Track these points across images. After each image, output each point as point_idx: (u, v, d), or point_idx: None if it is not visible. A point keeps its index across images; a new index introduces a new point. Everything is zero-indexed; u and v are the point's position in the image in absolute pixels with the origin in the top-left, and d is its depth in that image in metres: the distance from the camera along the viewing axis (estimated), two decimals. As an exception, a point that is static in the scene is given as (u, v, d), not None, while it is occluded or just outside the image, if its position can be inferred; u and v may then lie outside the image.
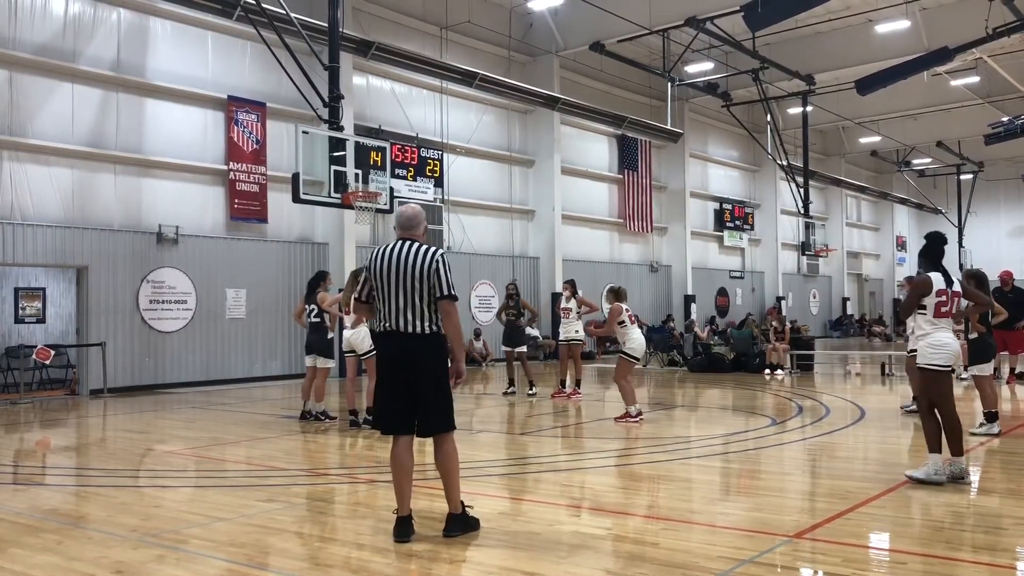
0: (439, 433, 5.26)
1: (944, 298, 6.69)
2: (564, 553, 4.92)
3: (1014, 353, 14.83)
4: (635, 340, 10.71)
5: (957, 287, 6.81)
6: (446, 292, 5.14)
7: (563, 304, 13.66)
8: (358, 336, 10.40)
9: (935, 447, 6.59)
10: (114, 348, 14.99)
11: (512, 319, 14.02)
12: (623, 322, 10.70)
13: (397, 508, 5.23)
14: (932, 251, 6.93)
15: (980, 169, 39.56)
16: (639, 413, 10.47)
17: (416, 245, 5.25)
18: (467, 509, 5.36)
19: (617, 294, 11.04)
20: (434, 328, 5.20)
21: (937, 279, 6.72)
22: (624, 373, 10.64)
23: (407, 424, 5.25)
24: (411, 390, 5.19)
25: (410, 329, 5.16)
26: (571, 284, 13.78)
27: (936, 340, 6.63)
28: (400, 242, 5.30)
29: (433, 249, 5.24)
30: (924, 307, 6.70)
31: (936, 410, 6.66)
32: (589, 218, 25.89)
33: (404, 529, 5.17)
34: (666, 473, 7.52)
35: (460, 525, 5.26)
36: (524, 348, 14.10)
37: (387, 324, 5.22)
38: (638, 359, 10.86)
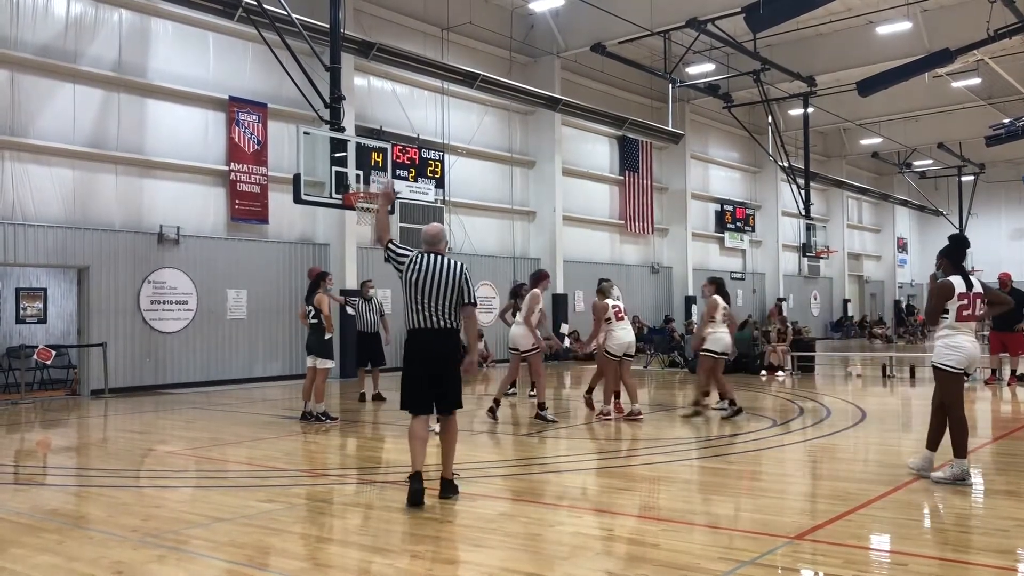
0: (455, 409, 6.29)
1: (966, 301, 6.65)
2: (565, 554, 4.92)
3: (1014, 355, 14.82)
4: (616, 338, 10.47)
5: (978, 288, 6.74)
6: (472, 300, 6.25)
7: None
8: (519, 333, 10.58)
9: (932, 445, 6.83)
10: (115, 348, 14.99)
11: None
12: (608, 319, 10.52)
13: (412, 466, 6.11)
14: (956, 253, 6.84)
15: (981, 171, 39.56)
16: (639, 412, 10.47)
17: (444, 258, 6.30)
18: (454, 476, 6.35)
19: (603, 291, 10.65)
20: (456, 325, 6.25)
21: (958, 283, 6.66)
22: (613, 372, 10.57)
23: (429, 405, 6.26)
24: (438, 375, 6.16)
25: (438, 325, 6.18)
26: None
27: (954, 342, 6.64)
28: (430, 255, 6.29)
29: (460, 263, 6.31)
30: (946, 311, 6.67)
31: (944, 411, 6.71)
32: (590, 219, 25.88)
33: (417, 481, 6.04)
34: (667, 474, 7.52)
35: (453, 489, 6.27)
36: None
37: (420, 322, 6.19)
38: (618, 356, 10.58)
